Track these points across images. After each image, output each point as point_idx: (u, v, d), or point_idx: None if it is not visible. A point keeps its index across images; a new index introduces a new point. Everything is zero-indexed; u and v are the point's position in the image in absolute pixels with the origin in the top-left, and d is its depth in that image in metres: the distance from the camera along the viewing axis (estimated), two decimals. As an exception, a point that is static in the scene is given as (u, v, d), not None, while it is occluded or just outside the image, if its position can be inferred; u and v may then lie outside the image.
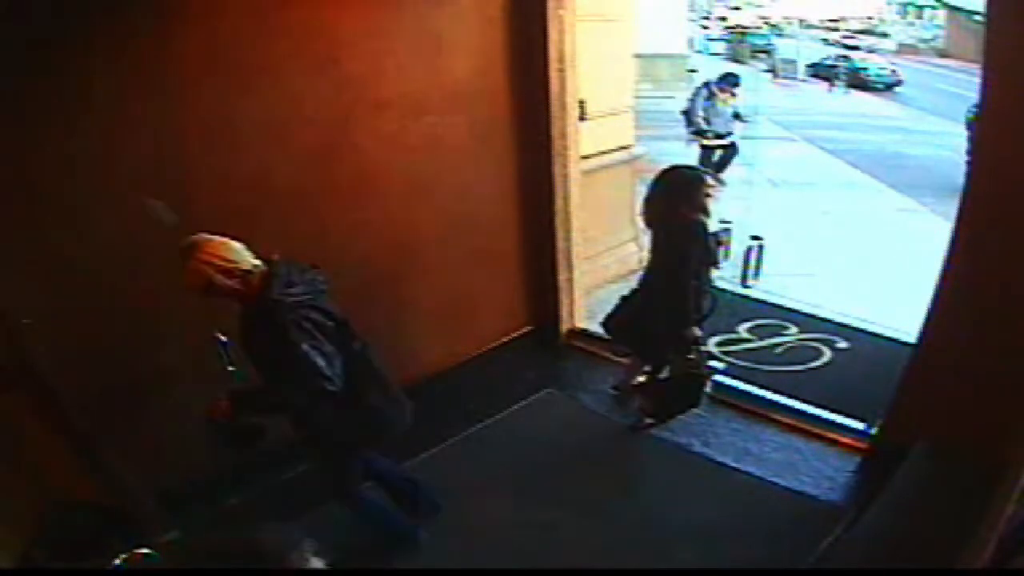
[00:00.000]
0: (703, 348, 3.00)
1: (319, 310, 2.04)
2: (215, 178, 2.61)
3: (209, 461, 2.51)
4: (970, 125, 6.44)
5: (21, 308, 2.15)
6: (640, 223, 4.91)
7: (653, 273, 2.95)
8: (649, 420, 3.18)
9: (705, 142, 6.78)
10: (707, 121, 6.67)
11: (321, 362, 1.97)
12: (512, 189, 3.70)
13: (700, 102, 6.69)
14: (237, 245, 2.01)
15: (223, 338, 2.25)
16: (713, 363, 3.30)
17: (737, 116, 6.81)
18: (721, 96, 6.67)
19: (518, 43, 3.43)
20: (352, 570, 2.46)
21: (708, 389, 3.11)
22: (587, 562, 2.45)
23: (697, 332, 2.85)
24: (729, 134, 6.82)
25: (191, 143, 2.54)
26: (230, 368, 2.25)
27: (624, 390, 3.37)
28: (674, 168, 2.93)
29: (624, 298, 3.12)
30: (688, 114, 6.80)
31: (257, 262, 2.02)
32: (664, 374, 2.99)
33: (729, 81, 6.79)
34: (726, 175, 6.73)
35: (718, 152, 6.85)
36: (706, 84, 6.75)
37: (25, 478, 2.06)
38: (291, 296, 1.98)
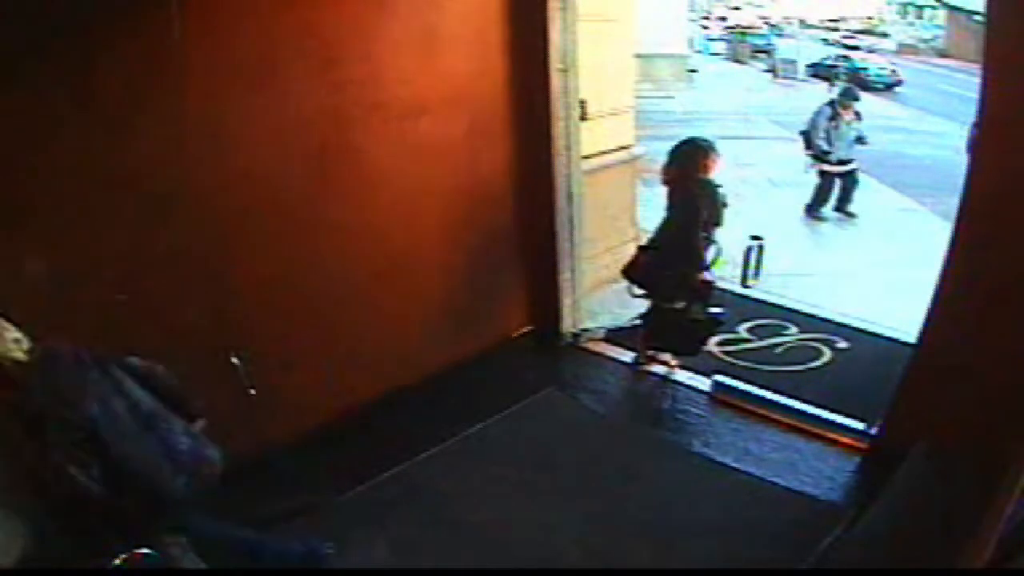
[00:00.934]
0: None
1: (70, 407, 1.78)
2: (214, 178, 2.61)
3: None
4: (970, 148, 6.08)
5: (19, 306, 2.14)
6: (640, 222, 4.93)
7: (668, 226, 3.36)
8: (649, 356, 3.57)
9: (827, 168, 6.20)
10: (829, 143, 6.13)
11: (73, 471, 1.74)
12: (512, 189, 3.70)
13: (822, 122, 6.15)
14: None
15: (237, 361, 2.13)
16: (716, 310, 3.47)
17: (860, 140, 6.21)
18: (845, 116, 6.09)
19: (518, 43, 3.43)
20: (348, 570, 2.47)
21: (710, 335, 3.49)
22: (587, 562, 2.45)
23: (706, 276, 3.28)
24: (851, 160, 6.24)
25: (190, 143, 2.53)
26: (251, 391, 2.13)
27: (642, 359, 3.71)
28: (688, 139, 3.36)
29: (641, 247, 3.53)
30: (808, 136, 6.28)
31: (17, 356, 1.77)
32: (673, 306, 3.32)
33: (851, 96, 6.22)
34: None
35: (838, 180, 6.26)
36: (830, 103, 6.23)
37: (24, 477, 2.06)
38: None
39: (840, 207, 6.35)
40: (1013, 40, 2.19)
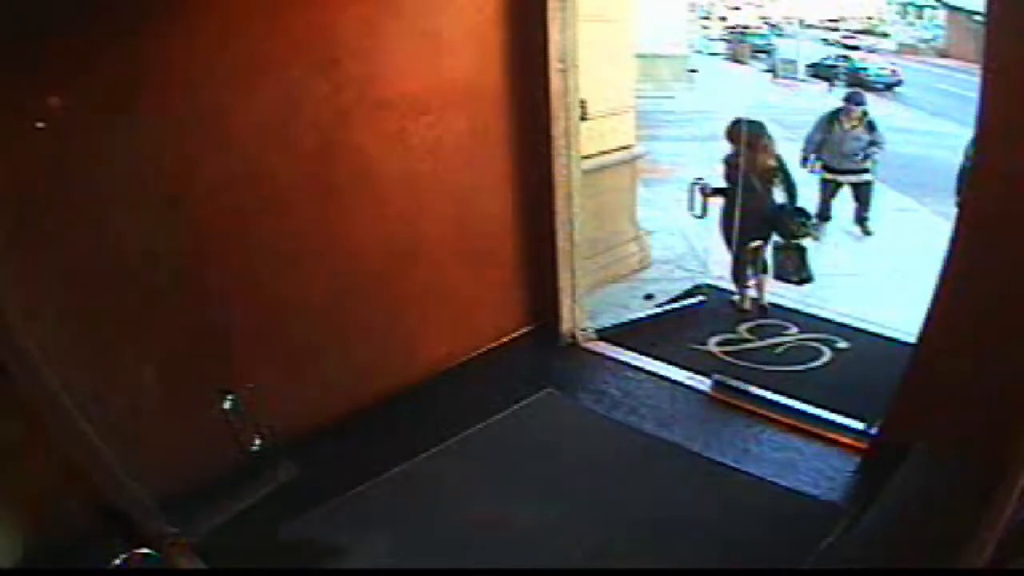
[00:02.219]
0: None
1: None
2: (214, 178, 2.62)
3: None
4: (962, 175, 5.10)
5: (19, 307, 2.14)
6: (640, 223, 4.93)
7: (753, 202, 4.10)
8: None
9: (826, 176, 5.76)
10: (816, 150, 5.69)
11: None
12: (512, 189, 3.71)
13: (817, 125, 5.72)
14: None
15: (230, 399, 1.83)
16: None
17: (866, 152, 5.54)
18: (845, 123, 5.53)
19: (518, 43, 3.43)
20: (351, 570, 2.47)
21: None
22: (587, 562, 2.45)
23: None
24: (852, 171, 5.64)
25: (190, 143, 2.54)
26: (256, 441, 1.74)
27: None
28: (741, 120, 4.10)
29: (738, 243, 4.21)
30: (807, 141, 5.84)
31: None
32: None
33: (853, 100, 5.58)
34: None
35: (838, 190, 5.76)
36: (836, 109, 5.69)
37: (23, 477, 2.06)
38: None
39: (856, 221, 6.00)
40: (1013, 40, 2.18)
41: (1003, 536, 1.77)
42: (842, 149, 5.62)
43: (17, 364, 1.92)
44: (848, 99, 5.76)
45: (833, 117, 5.69)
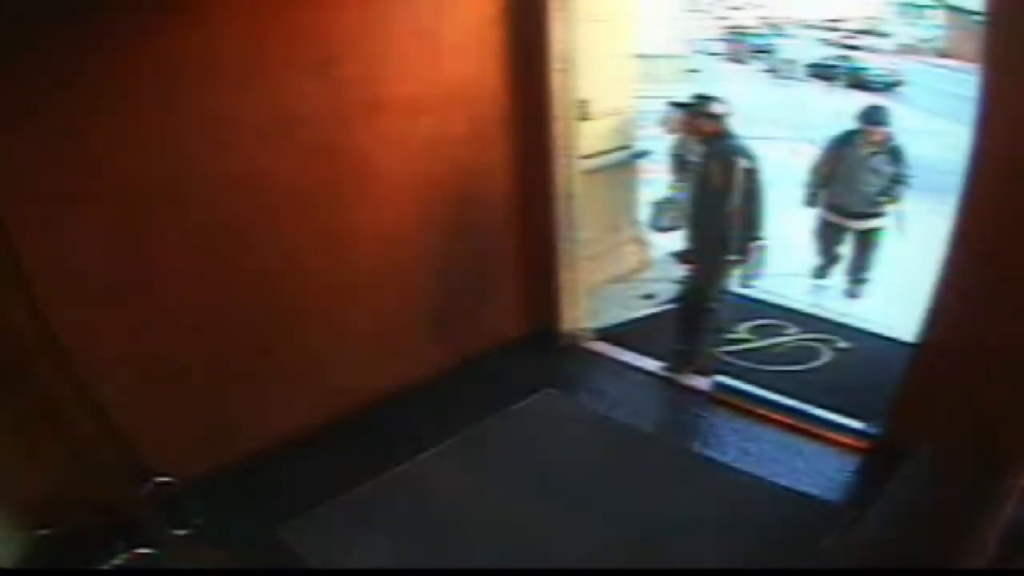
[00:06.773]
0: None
1: None
2: (213, 179, 2.61)
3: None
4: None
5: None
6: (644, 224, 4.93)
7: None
8: None
9: (828, 217, 4.41)
10: (822, 184, 4.32)
11: None
12: (512, 189, 3.70)
13: (825, 152, 4.33)
14: None
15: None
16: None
17: (895, 184, 4.16)
18: (860, 149, 4.14)
19: (518, 43, 3.43)
20: (347, 570, 2.47)
21: None
22: (586, 562, 2.45)
23: None
24: (868, 215, 4.28)
25: (189, 143, 2.54)
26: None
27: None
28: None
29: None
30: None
31: None
32: None
33: (872, 119, 4.10)
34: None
35: (845, 237, 4.43)
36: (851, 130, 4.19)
37: (24, 477, 2.06)
38: None
39: (851, 276, 4.64)
40: (1013, 40, 2.18)
41: (1003, 536, 1.77)
42: (857, 183, 4.29)
43: (21, 366, 1.92)
44: (865, 116, 4.27)
45: (844, 142, 4.34)
